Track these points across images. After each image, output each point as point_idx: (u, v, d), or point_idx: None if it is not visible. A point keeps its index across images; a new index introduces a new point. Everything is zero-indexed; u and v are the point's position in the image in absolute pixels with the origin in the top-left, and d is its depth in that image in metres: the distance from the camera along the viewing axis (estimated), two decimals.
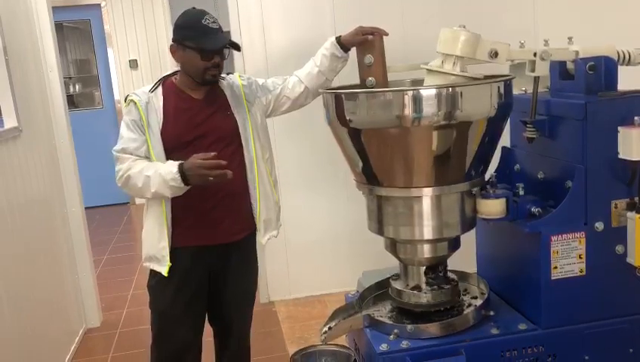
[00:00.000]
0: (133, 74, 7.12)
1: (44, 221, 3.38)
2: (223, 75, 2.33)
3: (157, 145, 2.20)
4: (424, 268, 2.15)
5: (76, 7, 7.10)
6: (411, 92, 1.89)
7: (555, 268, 2.00)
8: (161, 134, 2.21)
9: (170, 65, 6.10)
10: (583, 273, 2.02)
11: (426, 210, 2.04)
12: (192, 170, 2.05)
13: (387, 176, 2.04)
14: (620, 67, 2.08)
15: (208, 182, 2.06)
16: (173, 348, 2.38)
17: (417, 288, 2.16)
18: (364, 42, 2.32)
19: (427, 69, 2.05)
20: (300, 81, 2.45)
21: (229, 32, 3.52)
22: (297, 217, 3.81)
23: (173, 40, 2.24)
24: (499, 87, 1.96)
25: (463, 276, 2.36)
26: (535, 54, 2.06)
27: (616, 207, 2.00)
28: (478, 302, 2.20)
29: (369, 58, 2.29)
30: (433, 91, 1.89)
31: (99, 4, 7.08)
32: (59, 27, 6.26)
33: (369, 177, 2.09)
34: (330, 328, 2.13)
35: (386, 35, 2.33)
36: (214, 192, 2.22)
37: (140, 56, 7.11)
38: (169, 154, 2.20)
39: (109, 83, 7.26)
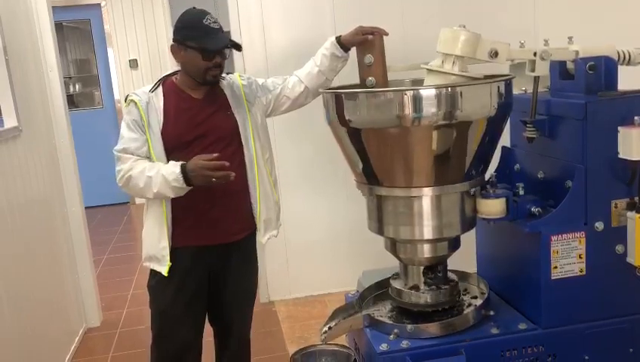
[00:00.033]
0: (133, 74, 7.12)
1: (44, 221, 3.38)
2: (223, 75, 2.32)
3: (157, 145, 2.20)
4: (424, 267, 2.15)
5: (76, 7, 7.10)
6: (411, 92, 1.89)
7: (555, 267, 2.00)
8: (162, 134, 2.21)
9: (170, 65, 6.10)
10: (583, 273, 2.02)
11: (426, 210, 2.04)
12: (195, 171, 2.06)
13: (387, 175, 2.04)
14: (620, 67, 2.08)
15: (211, 183, 2.07)
16: (174, 347, 2.38)
17: (417, 288, 2.16)
18: (364, 42, 2.32)
19: (427, 69, 2.05)
20: (299, 80, 2.45)
21: (229, 32, 3.52)
22: (297, 217, 3.81)
23: (174, 40, 2.24)
24: (499, 87, 1.96)
25: (463, 276, 2.36)
26: (535, 54, 2.06)
27: (616, 207, 2.00)
28: (478, 301, 2.20)
29: (369, 58, 2.29)
30: (433, 91, 1.89)
31: (99, 4, 7.08)
32: (59, 27, 6.27)
33: (369, 177, 2.09)
34: (330, 328, 2.13)
35: (386, 34, 2.33)
36: (214, 192, 2.22)
37: (139, 56, 7.11)
38: (169, 154, 2.20)
39: (109, 83, 7.26)
